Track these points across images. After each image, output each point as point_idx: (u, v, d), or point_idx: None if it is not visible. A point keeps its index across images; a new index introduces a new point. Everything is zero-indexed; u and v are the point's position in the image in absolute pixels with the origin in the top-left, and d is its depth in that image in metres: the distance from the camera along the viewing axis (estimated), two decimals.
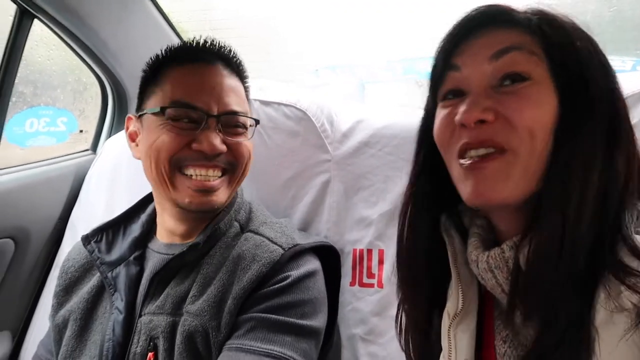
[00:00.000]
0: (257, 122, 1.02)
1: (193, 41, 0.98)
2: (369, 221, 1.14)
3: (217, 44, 0.99)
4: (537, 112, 0.60)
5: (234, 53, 1.01)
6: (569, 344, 0.54)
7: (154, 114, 0.92)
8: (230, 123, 0.94)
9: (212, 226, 0.95)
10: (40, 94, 1.63)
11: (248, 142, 0.98)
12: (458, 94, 0.66)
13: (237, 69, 1.01)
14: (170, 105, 0.91)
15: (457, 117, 0.63)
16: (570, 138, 0.59)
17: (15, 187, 1.36)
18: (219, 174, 0.92)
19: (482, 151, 0.62)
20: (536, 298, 0.57)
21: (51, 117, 1.59)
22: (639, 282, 0.51)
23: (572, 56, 0.61)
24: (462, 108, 0.63)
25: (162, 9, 1.54)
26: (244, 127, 0.97)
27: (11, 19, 1.27)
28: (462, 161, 0.64)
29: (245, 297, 0.86)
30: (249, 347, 0.81)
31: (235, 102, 0.95)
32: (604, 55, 0.64)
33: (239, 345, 0.82)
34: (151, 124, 0.92)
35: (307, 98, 1.26)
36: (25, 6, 1.26)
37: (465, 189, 0.64)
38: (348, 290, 1.12)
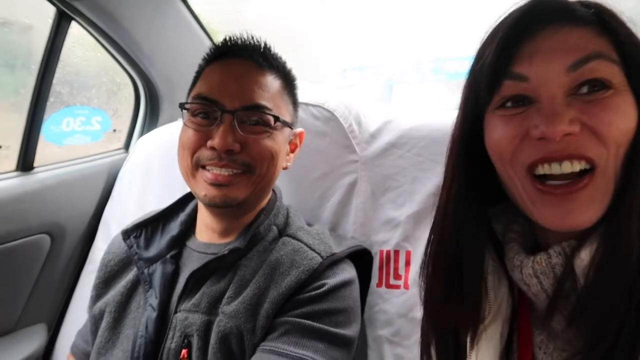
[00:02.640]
0: (286, 123, 0.97)
1: (229, 38, 0.98)
2: (397, 222, 1.14)
3: (250, 39, 0.98)
4: (626, 123, 0.57)
5: (268, 47, 0.99)
6: (620, 355, 0.53)
7: (182, 109, 0.95)
8: (249, 119, 0.91)
9: (253, 230, 0.95)
10: (76, 94, 1.68)
11: (272, 142, 0.93)
12: (520, 101, 0.61)
13: (272, 64, 0.98)
14: (189, 101, 0.94)
15: (537, 131, 0.57)
16: None
17: (53, 184, 1.41)
18: (236, 171, 0.91)
19: (566, 166, 0.57)
20: (593, 306, 0.55)
21: (86, 116, 1.64)
22: None
23: None
24: (539, 120, 0.57)
25: (193, 11, 1.57)
26: (267, 124, 0.92)
27: (50, 21, 1.31)
28: (541, 187, 0.59)
29: (283, 301, 0.86)
30: (281, 350, 0.81)
31: (259, 97, 0.92)
32: None
33: (272, 348, 0.82)
34: (183, 120, 0.95)
35: (335, 98, 1.26)
36: (64, 9, 1.31)
37: (548, 214, 0.60)
38: (375, 292, 1.12)
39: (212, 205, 0.93)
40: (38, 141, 1.38)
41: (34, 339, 1.40)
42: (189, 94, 0.99)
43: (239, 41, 0.97)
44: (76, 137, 1.61)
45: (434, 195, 1.10)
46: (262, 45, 0.99)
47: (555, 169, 0.58)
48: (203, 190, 0.91)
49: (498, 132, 0.63)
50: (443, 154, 1.10)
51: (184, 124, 0.94)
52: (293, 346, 0.82)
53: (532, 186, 0.61)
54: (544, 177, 0.60)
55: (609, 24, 0.58)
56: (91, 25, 1.41)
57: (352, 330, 0.90)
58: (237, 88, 0.91)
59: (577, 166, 0.57)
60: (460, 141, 0.70)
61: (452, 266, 0.71)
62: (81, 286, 1.44)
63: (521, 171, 0.61)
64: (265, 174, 0.94)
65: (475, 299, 0.69)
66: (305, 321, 0.85)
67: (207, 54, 1.00)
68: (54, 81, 1.37)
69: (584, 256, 0.57)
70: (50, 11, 1.31)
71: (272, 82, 0.96)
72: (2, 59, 1.57)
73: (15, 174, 1.36)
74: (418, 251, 1.10)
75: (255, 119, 0.92)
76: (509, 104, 0.62)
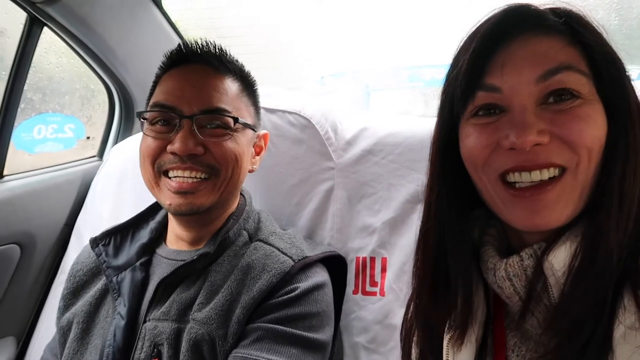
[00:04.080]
0: (248, 125, 0.96)
1: (184, 45, 0.97)
2: (373, 229, 1.14)
3: (205, 44, 0.97)
4: (596, 131, 0.58)
5: (223, 51, 0.98)
6: (590, 356, 0.54)
7: (141, 119, 0.94)
8: (209, 123, 0.90)
9: (222, 234, 0.94)
10: (48, 100, 1.65)
11: (234, 144, 0.92)
12: (492, 109, 0.63)
13: (228, 68, 0.97)
14: (146, 110, 0.93)
15: (508, 142, 0.59)
16: (622, 152, 0.58)
17: (23, 192, 1.37)
18: (201, 175, 0.90)
19: (536, 175, 0.59)
20: (570, 312, 0.56)
21: (59, 123, 1.61)
22: None
23: (614, 68, 0.60)
24: (510, 131, 0.59)
25: (169, 18, 1.56)
26: (227, 127, 0.92)
27: (22, 27, 1.29)
28: (512, 191, 0.61)
29: (255, 306, 0.86)
30: (255, 357, 0.81)
31: (218, 101, 0.91)
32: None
33: (244, 355, 0.81)
34: (142, 130, 0.94)
35: (312, 106, 1.27)
36: (35, 14, 1.28)
37: (518, 215, 0.62)
38: (351, 299, 1.12)
39: (178, 214, 0.92)
40: (8, 149, 1.35)
41: (1, 353, 1.36)
42: (147, 103, 0.98)
43: (194, 47, 0.97)
44: (48, 145, 1.57)
45: (409, 202, 1.12)
46: (218, 49, 0.98)
47: (525, 177, 0.60)
48: (168, 199, 0.90)
49: (471, 141, 0.64)
50: (418, 160, 1.13)
51: (143, 134, 0.93)
52: (266, 353, 0.81)
53: (504, 190, 0.62)
54: (515, 182, 0.62)
55: (579, 33, 0.60)
56: (63, 30, 1.38)
57: (325, 334, 0.90)
58: (194, 93, 0.91)
59: (547, 174, 0.59)
60: (438, 147, 0.72)
61: (438, 268, 0.72)
62: (52, 297, 1.41)
63: (493, 178, 0.63)
64: (230, 177, 0.93)
65: (455, 303, 0.70)
66: (278, 327, 0.84)
67: (163, 62, 0.98)
68: (25, 87, 1.34)
69: (553, 258, 0.59)
70: (22, 17, 1.28)
71: (230, 85, 0.96)
72: None
73: None
74: (394, 257, 1.11)
75: (216, 123, 0.91)
76: (481, 112, 0.64)
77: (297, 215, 1.21)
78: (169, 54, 0.97)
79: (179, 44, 0.97)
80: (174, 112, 0.89)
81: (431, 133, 0.74)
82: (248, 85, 1.02)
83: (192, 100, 0.90)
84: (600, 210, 0.57)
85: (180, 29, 1.62)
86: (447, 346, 0.71)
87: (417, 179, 1.12)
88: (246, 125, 0.96)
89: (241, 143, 0.95)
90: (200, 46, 0.96)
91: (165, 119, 0.91)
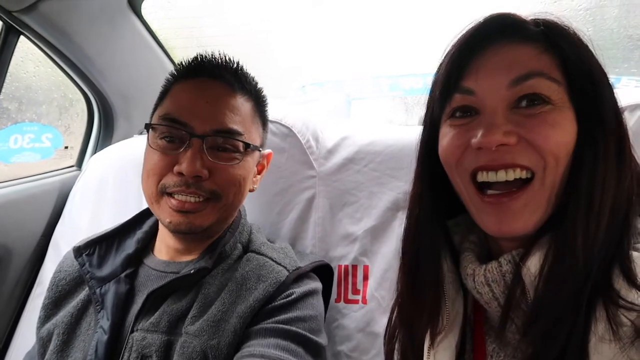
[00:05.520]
0: (256, 148, 0.95)
1: (201, 56, 0.95)
2: (354, 237, 1.15)
3: (223, 59, 0.95)
4: (563, 137, 0.60)
5: (240, 67, 0.96)
6: None
7: (149, 130, 0.92)
8: (219, 145, 0.89)
9: (219, 249, 0.94)
10: (25, 110, 1.62)
11: (241, 169, 0.91)
12: (468, 111, 0.65)
13: (244, 86, 0.95)
14: (156, 122, 0.91)
15: (475, 140, 0.61)
16: (590, 161, 0.59)
17: (1, 204, 1.34)
18: (202, 198, 0.89)
19: (502, 175, 0.61)
20: (543, 315, 0.57)
21: (36, 133, 1.58)
22: (622, 313, 0.51)
23: (588, 78, 0.61)
24: (479, 131, 0.61)
25: (149, 26, 1.55)
26: (237, 150, 0.91)
27: None
28: (483, 197, 0.63)
29: (252, 315, 0.85)
30: (262, 353, 0.79)
31: (231, 121, 0.89)
32: (605, 71, 0.63)
33: (251, 352, 0.79)
34: (149, 141, 0.92)
35: (293, 114, 1.27)
36: (12, 23, 1.26)
37: (487, 221, 0.64)
38: (334, 307, 1.12)
39: (176, 232, 0.92)
40: None
41: None
42: (154, 111, 0.96)
43: (212, 60, 0.94)
44: (25, 155, 1.54)
45: (390, 210, 1.13)
46: (235, 65, 0.96)
47: (491, 176, 0.62)
48: (168, 217, 0.89)
49: (446, 141, 0.67)
50: (399, 168, 1.14)
51: (149, 146, 0.91)
52: (273, 349, 0.80)
53: (476, 194, 0.64)
54: (487, 187, 0.64)
55: (555, 43, 0.62)
56: (40, 39, 1.36)
57: (323, 339, 0.90)
58: (208, 110, 0.89)
59: (512, 174, 0.61)
60: (420, 150, 0.74)
61: (414, 272, 0.73)
62: (29, 310, 1.37)
63: (465, 178, 0.65)
64: (232, 202, 0.93)
65: (433, 307, 0.71)
66: (283, 325, 0.84)
67: (176, 70, 0.96)
68: (1, 97, 1.32)
69: (530, 264, 0.60)
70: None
71: (244, 105, 0.94)
72: None
73: None
74: (376, 265, 1.12)
75: (224, 145, 0.89)
76: (458, 114, 0.66)
77: (279, 224, 1.22)
78: (184, 62, 0.96)
79: (197, 54, 0.95)
80: (185, 128, 0.87)
81: (413, 141, 0.76)
82: (260, 104, 1.00)
83: (205, 118, 0.88)
84: (567, 218, 0.59)
85: (161, 38, 1.61)
86: (427, 352, 0.72)
87: (397, 187, 1.13)
88: (255, 149, 0.95)
89: (247, 167, 0.94)
90: (219, 61, 0.95)
91: (174, 135, 0.89)
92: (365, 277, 1.12)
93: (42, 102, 1.66)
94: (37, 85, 1.63)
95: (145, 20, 1.53)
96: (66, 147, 1.68)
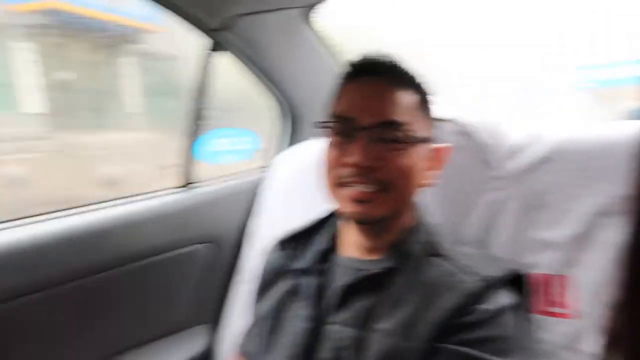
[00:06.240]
0: (422, 139, 0.95)
1: (362, 58, 0.99)
2: (550, 243, 1.05)
3: (383, 57, 0.98)
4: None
5: (397, 63, 0.98)
6: None
7: (322, 129, 0.98)
8: (385, 137, 0.91)
9: (403, 248, 0.95)
10: (226, 117, 1.87)
11: (407, 159, 0.92)
12: None
13: (405, 81, 0.97)
14: (327, 121, 0.97)
15: None
16: None
17: (209, 199, 1.62)
18: (374, 188, 0.91)
19: None
20: None
21: (236, 136, 1.82)
22: None
23: None
24: None
25: (320, 34, 1.66)
26: (402, 141, 0.91)
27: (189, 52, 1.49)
28: None
29: (440, 325, 0.84)
30: None
31: (394, 113, 0.91)
32: None
33: None
34: (325, 139, 0.99)
35: (468, 112, 1.22)
36: (218, 41, 1.48)
37: None
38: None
39: (356, 221, 0.96)
40: (196, 160, 1.59)
41: (196, 340, 1.58)
42: (328, 113, 1.02)
43: (373, 60, 0.98)
44: (227, 156, 1.78)
45: (593, 215, 1.01)
46: (394, 62, 0.98)
47: None
48: (344, 207, 0.94)
49: None
50: (600, 169, 1.00)
51: (327, 143, 0.98)
52: None
53: None
54: None
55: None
56: (240, 55, 1.57)
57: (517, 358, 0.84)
58: (371, 105, 0.92)
59: None
60: None
61: None
62: (235, 293, 1.56)
63: None
64: (402, 192, 0.93)
65: None
66: (467, 349, 0.81)
67: (343, 74, 1.02)
68: (206, 105, 1.55)
69: None
70: (203, 44, 1.47)
71: (406, 98, 0.95)
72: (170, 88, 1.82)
73: (180, 189, 1.58)
74: (580, 276, 1.02)
75: (390, 136, 0.92)
76: None
77: (460, 225, 1.17)
78: (348, 66, 1.01)
79: (359, 56, 1.01)
80: (352, 123, 0.93)
81: (619, 137, 0.65)
82: (423, 98, 1.00)
83: (369, 111, 0.92)
84: None
85: (337, 48, 1.70)
86: None
87: (601, 189, 1.01)
88: (420, 140, 0.96)
89: (414, 157, 0.94)
90: (379, 59, 0.98)
91: (343, 130, 0.95)
92: (566, 288, 1.02)
93: (240, 109, 1.90)
94: (234, 95, 1.87)
95: (318, 33, 1.63)
96: (262, 150, 1.90)
